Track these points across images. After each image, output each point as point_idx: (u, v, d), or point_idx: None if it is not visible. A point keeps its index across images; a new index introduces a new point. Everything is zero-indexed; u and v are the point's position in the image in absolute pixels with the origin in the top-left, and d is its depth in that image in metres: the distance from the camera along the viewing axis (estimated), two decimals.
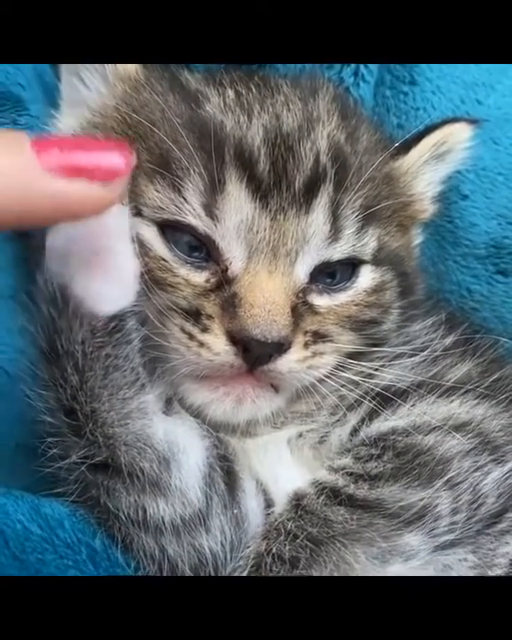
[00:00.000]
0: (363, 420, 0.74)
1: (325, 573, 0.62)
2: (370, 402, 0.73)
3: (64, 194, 0.51)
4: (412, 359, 0.76)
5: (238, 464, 0.73)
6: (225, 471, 0.72)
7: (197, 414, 0.72)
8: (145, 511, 0.67)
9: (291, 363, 0.68)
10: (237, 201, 0.67)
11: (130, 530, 0.67)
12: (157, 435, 0.68)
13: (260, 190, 0.67)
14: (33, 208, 0.51)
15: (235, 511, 0.71)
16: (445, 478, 0.68)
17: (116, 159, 0.54)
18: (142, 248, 0.68)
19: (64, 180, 0.51)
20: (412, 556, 0.66)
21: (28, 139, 0.51)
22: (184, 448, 0.69)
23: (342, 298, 0.73)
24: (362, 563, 0.63)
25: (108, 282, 0.63)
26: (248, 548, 0.68)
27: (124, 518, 0.67)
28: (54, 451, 0.66)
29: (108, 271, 0.62)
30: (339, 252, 0.71)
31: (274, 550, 0.64)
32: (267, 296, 0.67)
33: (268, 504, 0.73)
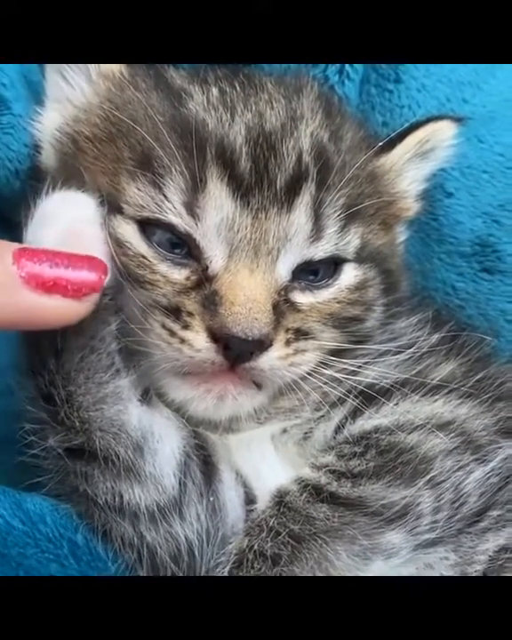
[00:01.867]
0: (346, 418, 0.74)
1: (307, 570, 0.62)
2: (353, 399, 0.73)
3: (41, 308, 0.56)
4: (397, 357, 0.76)
5: (216, 454, 0.74)
6: (202, 461, 0.73)
7: (179, 410, 0.72)
8: (121, 497, 0.68)
9: (272, 360, 0.69)
10: (218, 199, 0.67)
11: (108, 517, 0.68)
12: (131, 421, 0.68)
13: (242, 189, 0.67)
14: (8, 318, 0.56)
15: (211, 499, 0.71)
16: (428, 477, 0.68)
17: (92, 276, 0.59)
18: (122, 246, 0.69)
19: (40, 294, 0.56)
20: (394, 554, 0.66)
21: (11, 249, 0.55)
22: (160, 436, 0.70)
23: (325, 295, 0.73)
24: (343, 560, 0.64)
25: None
26: (230, 543, 0.68)
27: (101, 504, 0.67)
28: (33, 438, 0.67)
29: (78, 249, 0.64)
30: (321, 250, 0.71)
31: (255, 547, 0.64)
32: (248, 294, 0.67)
33: (250, 499, 0.73)
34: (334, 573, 0.63)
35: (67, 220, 0.66)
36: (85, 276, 0.59)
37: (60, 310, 0.58)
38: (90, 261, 0.60)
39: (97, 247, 0.66)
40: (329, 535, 0.64)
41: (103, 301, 0.66)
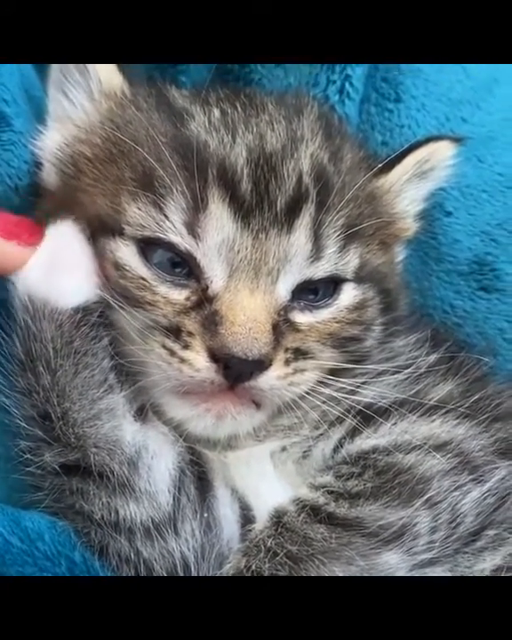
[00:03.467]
0: (345, 437, 0.74)
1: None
2: (352, 419, 0.74)
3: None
4: (395, 377, 0.76)
5: (211, 471, 0.74)
6: (196, 477, 0.73)
7: (177, 428, 0.73)
8: (117, 513, 0.69)
9: (271, 380, 0.69)
10: (219, 220, 0.67)
11: (105, 533, 0.69)
12: (126, 437, 0.69)
13: (243, 210, 0.68)
14: None
15: (205, 515, 0.72)
16: (425, 497, 0.68)
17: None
18: (120, 269, 0.70)
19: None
20: (391, 574, 0.66)
21: None
22: (154, 452, 0.71)
23: (324, 315, 0.73)
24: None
25: (67, 278, 0.69)
26: (228, 563, 0.69)
27: (97, 520, 0.68)
28: (28, 456, 0.68)
29: (65, 269, 0.69)
30: (321, 270, 0.72)
31: (253, 567, 0.64)
32: (248, 314, 0.67)
33: (247, 517, 0.73)
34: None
35: (50, 242, 0.69)
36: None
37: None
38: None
39: (80, 264, 0.70)
40: (326, 556, 0.64)
41: (93, 319, 0.69)
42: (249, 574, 0.64)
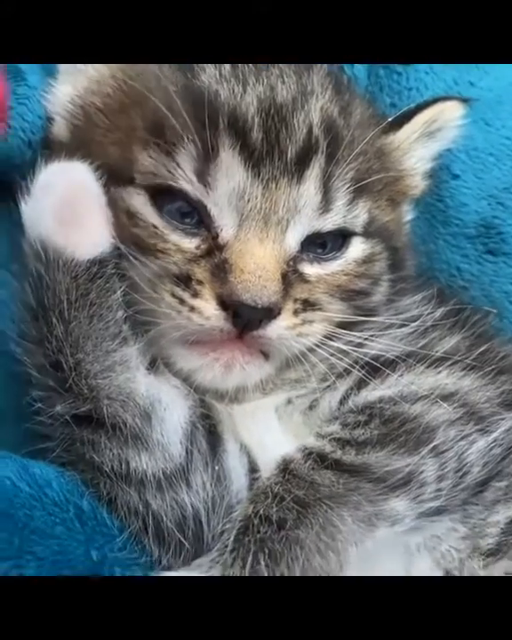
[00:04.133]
0: (352, 389, 0.75)
1: (312, 535, 0.63)
2: (359, 371, 0.74)
3: None
4: (402, 330, 0.77)
5: (221, 424, 0.75)
6: (207, 430, 0.74)
7: (186, 380, 0.73)
8: (128, 464, 0.69)
9: (280, 329, 0.69)
10: (230, 168, 0.68)
11: (114, 484, 0.69)
12: (140, 390, 0.70)
13: (253, 159, 0.68)
14: None
15: (216, 468, 0.72)
16: (431, 446, 0.69)
17: None
18: (133, 217, 0.71)
19: None
20: (398, 521, 0.67)
21: None
22: (167, 405, 0.71)
23: (332, 267, 0.74)
24: (348, 525, 0.64)
25: (83, 229, 0.68)
26: (234, 512, 0.69)
27: (108, 472, 0.68)
28: (40, 405, 0.68)
29: (81, 220, 0.68)
30: (330, 222, 0.72)
31: (261, 512, 0.64)
32: (257, 262, 0.68)
33: (254, 468, 0.74)
34: (340, 539, 0.63)
35: (63, 188, 0.68)
36: None
37: None
38: None
39: (98, 215, 0.69)
40: (334, 501, 0.64)
41: (108, 270, 0.69)
42: (257, 520, 0.64)
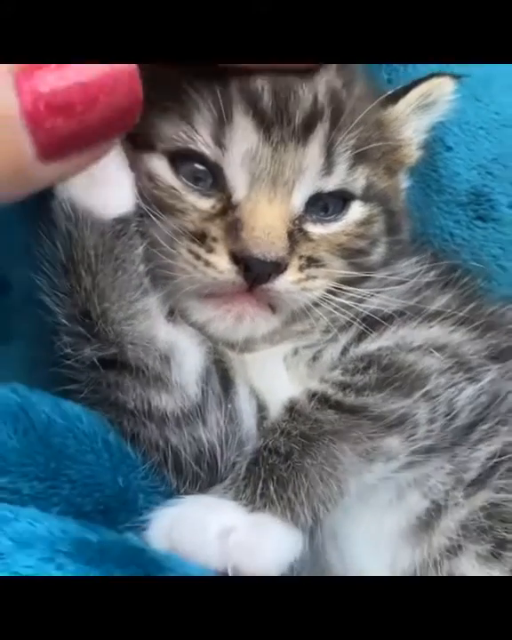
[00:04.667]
0: (352, 340, 0.81)
1: (316, 466, 0.69)
2: (359, 324, 0.81)
3: None
4: (399, 288, 0.83)
5: (232, 370, 0.81)
6: (220, 375, 0.80)
7: (201, 330, 0.80)
8: (150, 403, 0.76)
9: (287, 283, 0.76)
10: (244, 132, 0.74)
11: (137, 422, 0.76)
12: (160, 336, 0.77)
13: (264, 123, 0.74)
14: None
15: (228, 407, 0.79)
16: (423, 391, 0.75)
17: None
18: (153, 180, 0.77)
19: None
20: (393, 458, 0.74)
21: None
22: (184, 350, 0.78)
23: (334, 228, 0.81)
24: (348, 458, 0.71)
25: (109, 190, 0.74)
26: (245, 447, 0.76)
27: (131, 410, 0.75)
28: (70, 350, 0.75)
29: (107, 182, 0.73)
30: (331, 184, 0.79)
31: (270, 445, 0.71)
32: (267, 221, 0.74)
33: (263, 410, 0.81)
34: (341, 469, 0.70)
35: None
36: None
37: None
38: None
39: (122, 178, 0.75)
40: (335, 436, 0.71)
41: (131, 228, 0.75)
42: (266, 452, 0.70)
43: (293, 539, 0.67)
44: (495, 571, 0.75)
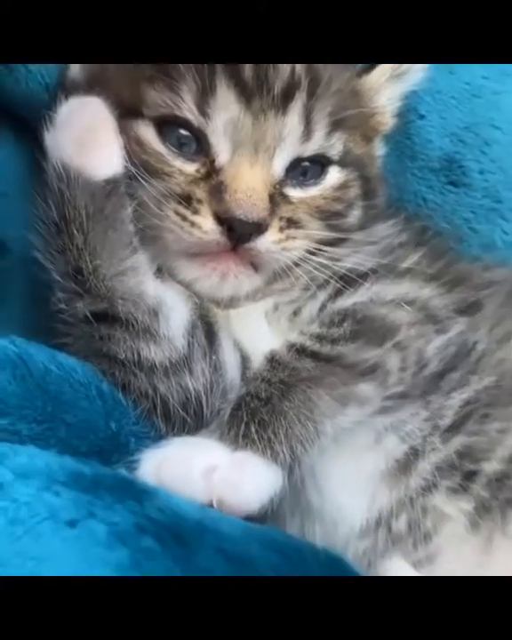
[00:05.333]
0: (329, 297, 0.86)
1: (294, 408, 0.75)
2: (336, 282, 0.86)
3: None
4: (373, 247, 0.89)
5: (217, 324, 0.87)
6: (205, 329, 0.86)
7: (187, 288, 0.85)
8: (139, 354, 0.81)
9: (268, 243, 0.81)
10: (226, 102, 0.79)
11: (128, 372, 0.81)
12: (148, 291, 0.82)
13: (246, 93, 0.79)
14: None
15: (213, 358, 0.84)
16: (394, 341, 0.81)
17: None
18: (141, 146, 0.82)
19: None
20: (366, 402, 0.79)
21: None
22: (171, 305, 0.83)
23: (312, 191, 0.86)
24: (325, 402, 0.76)
25: (99, 153, 0.79)
26: (229, 395, 0.82)
27: (122, 361, 0.81)
28: (63, 306, 0.80)
29: (97, 145, 0.78)
30: (310, 149, 0.84)
31: (252, 391, 0.77)
32: (249, 184, 0.79)
33: (246, 362, 0.86)
34: (317, 412, 0.75)
35: (82, 118, 0.79)
36: None
37: None
38: None
39: (111, 141, 0.79)
40: (312, 382, 0.77)
41: (120, 189, 0.80)
42: (248, 397, 0.76)
43: (273, 475, 0.72)
44: (463, 502, 0.81)
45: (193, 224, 0.80)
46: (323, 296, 0.87)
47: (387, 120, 0.96)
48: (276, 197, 0.82)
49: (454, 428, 0.83)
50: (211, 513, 0.63)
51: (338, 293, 0.86)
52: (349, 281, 0.86)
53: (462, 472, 0.82)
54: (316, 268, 0.85)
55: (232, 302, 0.87)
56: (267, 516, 0.75)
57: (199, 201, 0.80)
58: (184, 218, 0.80)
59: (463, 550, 0.81)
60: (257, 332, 0.87)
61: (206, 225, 0.79)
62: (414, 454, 0.83)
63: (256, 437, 0.73)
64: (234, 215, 0.78)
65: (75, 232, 0.78)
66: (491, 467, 0.81)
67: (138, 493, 0.60)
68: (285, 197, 0.83)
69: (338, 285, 0.86)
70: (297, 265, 0.85)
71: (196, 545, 0.55)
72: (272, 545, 0.57)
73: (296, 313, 0.88)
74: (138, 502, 0.58)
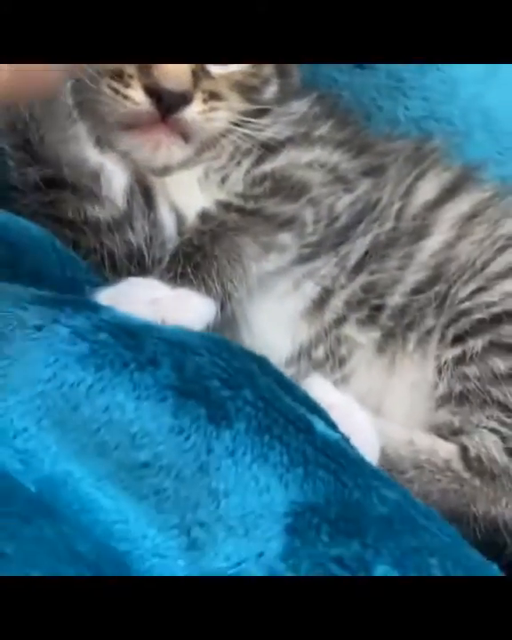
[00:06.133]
0: (253, 164, 0.99)
1: (223, 252, 0.87)
2: (258, 150, 0.98)
3: None
4: (290, 118, 1.01)
5: (155, 189, 0.98)
6: (143, 193, 0.97)
7: (125, 157, 0.95)
8: (86, 213, 0.92)
9: (193, 113, 0.92)
10: None
11: (77, 230, 0.92)
12: (90, 158, 0.92)
13: None
14: None
15: (152, 216, 0.96)
16: (308, 197, 0.95)
17: None
18: None
19: None
20: (286, 250, 0.93)
21: None
22: (111, 170, 0.94)
23: (231, 68, 0.97)
24: (251, 247, 0.89)
25: None
26: (168, 246, 0.94)
27: (71, 220, 0.92)
28: (15, 174, 0.90)
29: None
30: None
31: (186, 240, 0.89)
32: None
33: (181, 221, 0.98)
34: (244, 256, 0.88)
35: None
36: None
37: None
38: None
39: None
40: (239, 231, 0.90)
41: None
42: (183, 245, 0.88)
43: (209, 305, 0.85)
44: (372, 332, 0.97)
45: (126, 97, 0.90)
46: (247, 163, 0.99)
47: None
48: (199, 73, 0.93)
49: (358, 268, 0.97)
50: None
51: (260, 160, 0.99)
52: (270, 148, 0.98)
53: (369, 306, 0.97)
54: (240, 138, 0.97)
55: (166, 170, 0.98)
56: None
57: (130, 76, 0.90)
58: (116, 91, 0.91)
59: (372, 370, 0.97)
60: (190, 195, 0.99)
61: (137, 97, 0.90)
62: (326, 293, 0.97)
63: (192, 277, 0.86)
64: (162, 86, 0.89)
65: (21, 108, 0.88)
66: (393, 300, 0.96)
67: (94, 306, 0.72)
68: (207, 73, 0.94)
69: (260, 153, 0.98)
70: (223, 136, 0.97)
71: (143, 336, 0.66)
72: (209, 337, 0.70)
73: (224, 179, 1.00)
74: (95, 312, 0.70)
